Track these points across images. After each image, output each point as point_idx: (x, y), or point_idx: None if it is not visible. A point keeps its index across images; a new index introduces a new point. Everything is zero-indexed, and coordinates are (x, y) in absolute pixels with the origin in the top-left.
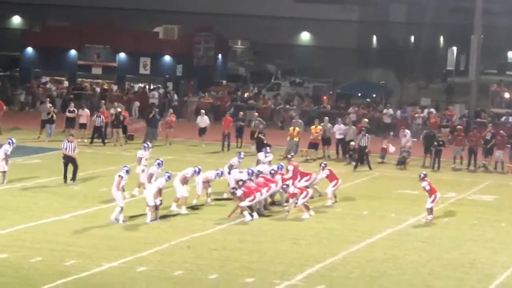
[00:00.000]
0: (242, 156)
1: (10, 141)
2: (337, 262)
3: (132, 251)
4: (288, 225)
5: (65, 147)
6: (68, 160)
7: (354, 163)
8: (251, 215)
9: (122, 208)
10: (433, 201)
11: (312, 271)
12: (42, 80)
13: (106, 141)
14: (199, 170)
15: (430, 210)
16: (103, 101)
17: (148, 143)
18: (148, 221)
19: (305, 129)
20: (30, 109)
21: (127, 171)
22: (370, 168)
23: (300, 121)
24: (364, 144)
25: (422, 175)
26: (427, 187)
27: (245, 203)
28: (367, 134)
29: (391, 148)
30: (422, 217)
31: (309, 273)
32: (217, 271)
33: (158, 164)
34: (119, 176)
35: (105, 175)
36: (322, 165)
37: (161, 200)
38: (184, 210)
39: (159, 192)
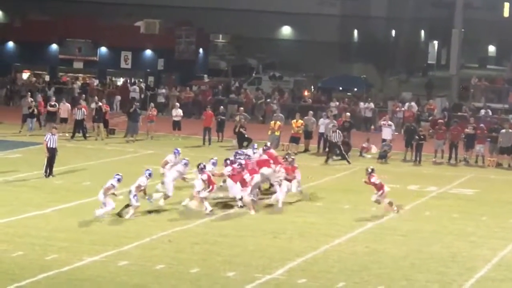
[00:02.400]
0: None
1: None
2: (318, 256)
3: (114, 245)
4: (269, 219)
5: (47, 139)
6: (52, 153)
7: (332, 157)
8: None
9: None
10: (381, 195)
11: (293, 265)
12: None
13: (87, 135)
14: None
15: (391, 203)
16: (84, 95)
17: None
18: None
19: (286, 123)
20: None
21: (119, 180)
22: (349, 163)
23: (281, 115)
24: (335, 140)
25: (370, 170)
26: (377, 181)
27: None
28: (338, 130)
29: (374, 149)
30: (404, 211)
31: (290, 267)
32: (198, 265)
33: (175, 152)
34: (111, 184)
35: (86, 169)
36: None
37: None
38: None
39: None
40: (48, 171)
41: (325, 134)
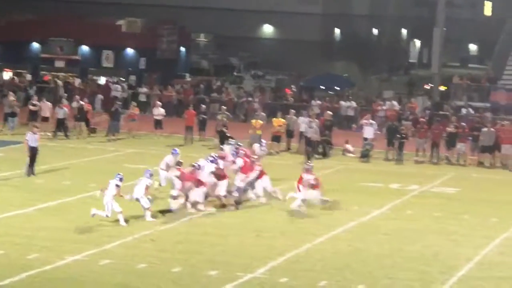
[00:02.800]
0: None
1: None
2: (300, 255)
3: (96, 244)
4: (252, 218)
5: (28, 138)
6: (34, 151)
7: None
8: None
9: (121, 211)
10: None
11: (275, 264)
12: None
13: (68, 134)
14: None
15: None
16: (66, 94)
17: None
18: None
19: (268, 122)
20: None
21: (121, 179)
22: (324, 156)
23: (262, 113)
24: (309, 135)
25: (308, 166)
26: (312, 181)
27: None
28: (314, 125)
29: (351, 149)
30: (386, 209)
31: (273, 266)
32: (180, 264)
33: (173, 153)
34: (116, 185)
35: (68, 168)
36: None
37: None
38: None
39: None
40: (29, 170)
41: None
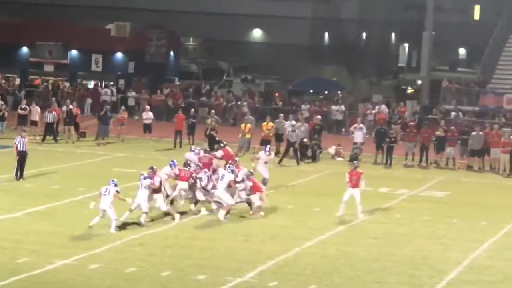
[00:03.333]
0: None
1: None
2: (289, 259)
3: (85, 249)
4: (241, 222)
5: (17, 142)
6: (23, 155)
7: (304, 160)
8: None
9: (116, 220)
10: (260, 198)
11: (264, 267)
12: None
13: (58, 138)
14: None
15: (259, 208)
16: (54, 98)
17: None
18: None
19: (256, 126)
20: None
21: (116, 184)
22: (298, 164)
23: (251, 117)
24: (293, 140)
25: (249, 173)
26: (250, 184)
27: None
28: (296, 130)
29: (332, 151)
30: (374, 213)
31: (262, 269)
32: (169, 268)
33: (171, 164)
34: (116, 191)
35: (57, 172)
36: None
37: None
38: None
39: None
40: (18, 174)
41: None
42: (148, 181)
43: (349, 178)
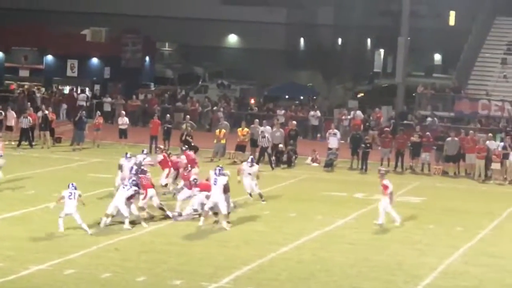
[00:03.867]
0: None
1: None
2: (264, 264)
3: (60, 254)
4: (216, 228)
5: None
6: None
7: (279, 165)
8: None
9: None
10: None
11: (240, 273)
12: None
13: (33, 143)
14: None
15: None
16: (29, 103)
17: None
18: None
19: (231, 131)
20: None
21: (76, 187)
22: (272, 169)
23: (225, 123)
24: (265, 145)
25: (193, 181)
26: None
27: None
28: (266, 135)
29: (309, 160)
30: (351, 219)
31: (237, 275)
32: (145, 273)
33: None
34: (79, 195)
35: (32, 177)
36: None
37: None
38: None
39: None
40: None
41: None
42: (131, 191)
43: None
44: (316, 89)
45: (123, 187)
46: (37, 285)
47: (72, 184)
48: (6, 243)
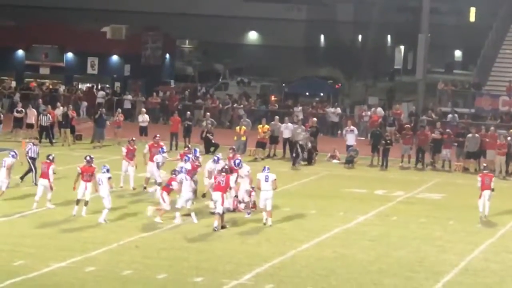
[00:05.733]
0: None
1: None
2: (285, 261)
3: (81, 251)
4: (237, 224)
5: (28, 149)
6: (33, 162)
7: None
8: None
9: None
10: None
11: (260, 270)
12: None
13: (53, 141)
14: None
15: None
16: (50, 100)
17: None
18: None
19: (253, 129)
20: None
21: (108, 169)
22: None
23: (247, 120)
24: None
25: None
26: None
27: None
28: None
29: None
30: (372, 215)
31: (258, 272)
32: (165, 270)
33: (214, 160)
34: (109, 178)
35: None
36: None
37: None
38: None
39: None
40: (34, 178)
41: (291, 139)
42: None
43: (482, 182)
44: (336, 86)
45: (186, 179)
46: (58, 282)
47: (104, 166)
48: (27, 240)
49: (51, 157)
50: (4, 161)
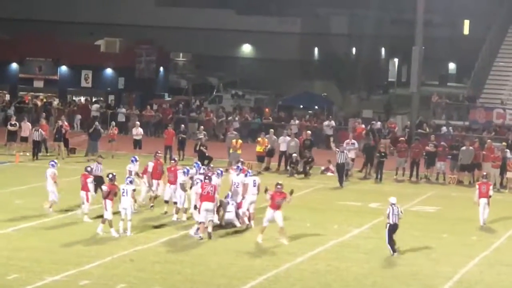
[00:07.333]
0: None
1: None
2: (280, 275)
3: (75, 265)
4: (231, 238)
5: (94, 167)
6: (99, 181)
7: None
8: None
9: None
10: None
11: (254, 283)
12: None
13: (47, 154)
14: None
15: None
16: (44, 114)
17: (135, 157)
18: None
19: (245, 141)
20: None
21: (131, 181)
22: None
23: (235, 132)
24: (341, 161)
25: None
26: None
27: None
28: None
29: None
30: (366, 228)
31: (252, 285)
32: (160, 284)
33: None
34: (133, 190)
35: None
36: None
37: None
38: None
39: None
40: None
41: (287, 152)
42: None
43: (479, 190)
44: (330, 98)
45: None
46: None
47: (128, 177)
48: (22, 254)
49: (88, 169)
50: (46, 173)
